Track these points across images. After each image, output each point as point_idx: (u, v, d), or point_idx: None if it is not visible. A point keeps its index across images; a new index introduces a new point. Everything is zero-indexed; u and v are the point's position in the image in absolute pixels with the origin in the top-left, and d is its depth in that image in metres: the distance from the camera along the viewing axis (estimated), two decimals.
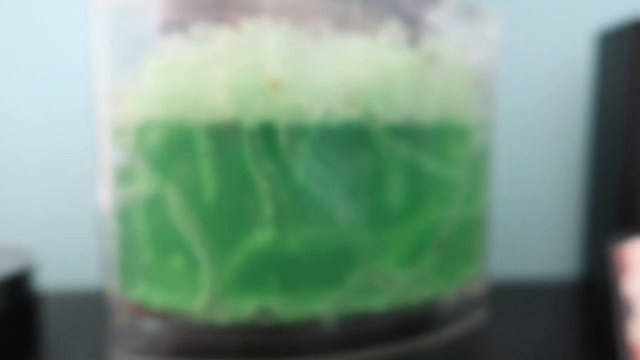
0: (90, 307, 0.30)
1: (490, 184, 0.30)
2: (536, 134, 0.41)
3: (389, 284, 0.25)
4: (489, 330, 0.29)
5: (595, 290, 0.36)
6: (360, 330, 0.27)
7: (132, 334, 0.25)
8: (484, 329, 0.29)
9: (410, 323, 0.29)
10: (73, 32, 0.38)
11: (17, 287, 0.25)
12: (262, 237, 0.23)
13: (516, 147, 0.41)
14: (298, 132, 0.23)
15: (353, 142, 0.24)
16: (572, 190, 0.42)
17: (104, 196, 0.24)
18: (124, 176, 0.24)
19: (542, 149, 0.41)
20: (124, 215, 0.24)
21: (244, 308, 0.24)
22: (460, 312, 0.30)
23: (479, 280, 0.30)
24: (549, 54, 0.40)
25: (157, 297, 0.24)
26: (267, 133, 0.23)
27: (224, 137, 0.23)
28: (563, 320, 0.31)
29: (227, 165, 0.23)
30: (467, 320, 0.29)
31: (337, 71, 0.23)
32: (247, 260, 0.24)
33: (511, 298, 0.35)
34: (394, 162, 0.25)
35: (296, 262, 0.24)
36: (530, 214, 0.42)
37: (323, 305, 0.24)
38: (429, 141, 0.26)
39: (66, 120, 0.38)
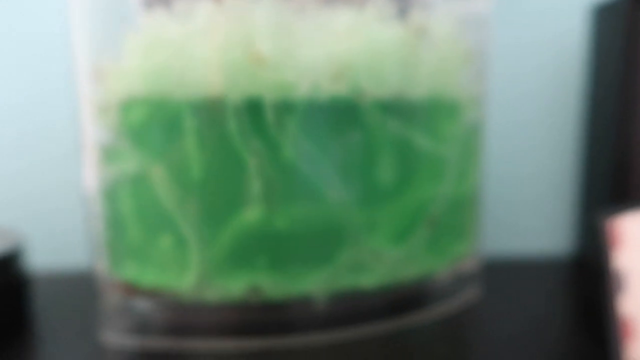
0: (79, 287, 0.30)
1: (482, 161, 0.30)
2: (529, 110, 0.41)
3: (379, 262, 0.25)
4: (481, 306, 0.29)
5: (588, 266, 0.36)
6: (352, 308, 0.27)
7: (122, 313, 0.25)
8: (476, 305, 0.29)
9: (402, 300, 0.29)
10: (53, 8, 0.37)
11: (6, 268, 0.25)
12: (250, 215, 0.23)
13: (509, 123, 0.41)
14: (285, 108, 0.22)
15: (341, 118, 0.24)
16: (565, 166, 0.41)
17: (89, 175, 0.24)
18: (108, 155, 0.23)
19: (535, 125, 0.41)
20: (110, 195, 0.24)
21: (234, 286, 0.23)
22: (452, 289, 0.30)
23: (471, 257, 0.30)
24: (543, 28, 0.40)
25: (146, 276, 0.24)
26: (253, 109, 0.22)
27: (210, 113, 0.22)
28: (556, 296, 0.31)
29: (213, 143, 0.23)
30: (460, 297, 0.29)
31: (323, 46, 0.22)
32: (236, 238, 0.23)
33: (504, 274, 0.35)
34: (383, 139, 0.25)
35: (285, 240, 0.24)
36: (522, 191, 0.41)
37: (313, 283, 0.24)
38: (420, 117, 0.26)
39: (48, 97, 0.38)
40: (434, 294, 0.30)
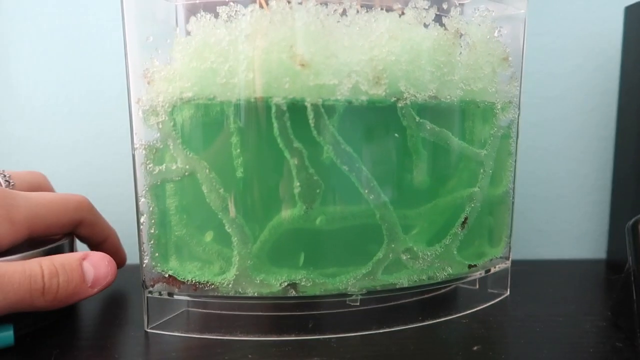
0: (127, 279, 0.31)
1: (516, 163, 0.30)
2: (563, 111, 0.40)
3: (414, 261, 0.26)
4: (512, 306, 0.29)
5: (622, 270, 0.36)
6: (385, 305, 0.28)
7: (165, 306, 0.26)
8: (507, 305, 0.29)
9: (436, 299, 0.29)
10: (106, 15, 0.39)
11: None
12: (290, 213, 0.24)
13: (543, 125, 0.40)
14: (325, 109, 0.23)
15: (380, 120, 0.24)
16: (599, 168, 0.41)
17: (139, 173, 0.25)
18: (156, 154, 0.24)
19: (569, 126, 0.41)
20: (157, 192, 0.25)
21: (273, 282, 0.24)
22: (483, 289, 0.30)
23: (503, 258, 0.30)
24: (578, 29, 0.40)
25: (189, 271, 0.25)
26: (295, 111, 0.23)
27: (253, 115, 0.23)
28: (586, 297, 0.31)
29: (256, 143, 0.24)
30: (491, 298, 0.30)
31: (363, 50, 0.23)
32: (275, 235, 0.24)
33: (535, 276, 0.35)
34: (420, 140, 0.25)
35: (323, 238, 0.24)
36: (558, 194, 0.41)
37: (349, 281, 0.25)
38: (455, 119, 0.26)
39: (101, 101, 0.39)
40: (466, 293, 0.30)
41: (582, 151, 0.41)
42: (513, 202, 0.31)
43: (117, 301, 0.30)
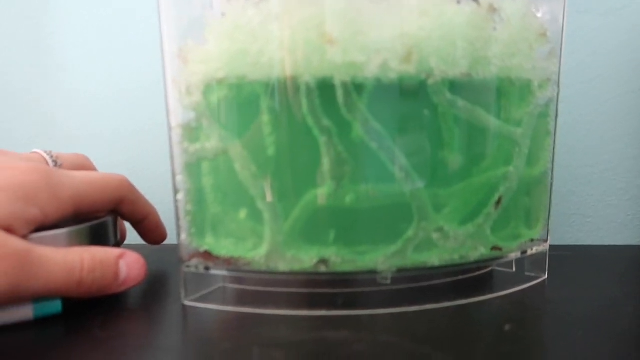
0: (163, 256, 0.33)
1: (554, 144, 0.29)
2: (605, 94, 0.39)
3: (446, 240, 0.25)
4: (549, 289, 0.28)
5: None
6: (417, 285, 0.27)
7: (201, 281, 0.27)
8: (544, 288, 0.28)
9: (469, 280, 0.29)
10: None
11: (103, 234, 0.28)
12: (320, 191, 0.24)
13: (583, 105, 0.39)
14: (355, 87, 0.23)
15: (410, 97, 0.24)
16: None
17: (175, 153, 0.26)
18: (191, 133, 0.25)
19: (610, 110, 0.39)
20: (193, 170, 0.26)
21: (304, 258, 0.25)
22: (520, 272, 0.30)
23: (540, 242, 0.29)
24: (622, 6, 0.38)
25: (224, 246, 0.26)
26: (325, 89, 0.23)
27: (284, 93, 0.24)
28: (626, 282, 0.30)
29: (286, 121, 0.24)
30: (527, 280, 0.29)
31: (393, 26, 0.23)
32: (306, 213, 0.25)
33: (578, 262, 0.34)
34: (452, 118, 0.25)
35: (353, 216, 0.25)
36: (602, 177, 0.40)
37: (380, 259, 0.25)
38: (490, 97, 0.26)
39: (142, 87, 0.41)
40: (500, 275, 0.29)
41: (628, 133, 0.39)
42: (552, 183, 0.30)
43: (158, 277, 0.32)
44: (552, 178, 0.30)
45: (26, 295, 0.23)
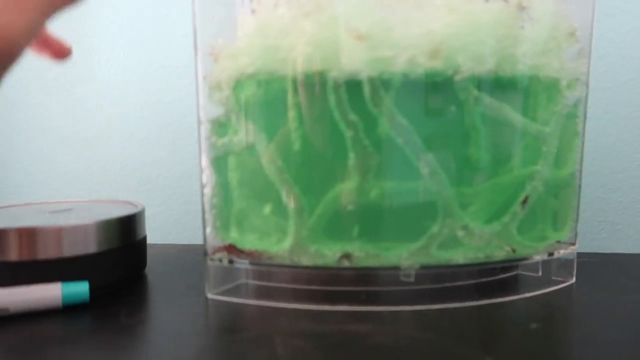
0: (189, 253, 0.33)
1: (583, 145, 0.29)
2: (635, 98, 0.38)
3: (471, 238, 0.25)
4: (577, 292, 0.28)
5: None
6: (442, 285, 0.27)
7: (225, 273, 0.27)
8: (571, 291, 0.28)
9: (495, 280, 0.28)
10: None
11: (130, 227, 0.29)
12: (345, 186, 0.24)
13: (613, 110, 0.38)
14: (382, 83, 0.23)
15: (437, 94, 0.24)
16: None
17: (203, 147, 0.26)
18: (219, 128, 0.26)
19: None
20: (220, 165, 0.26)
21: (327, 253, 0.25)
22: (547, 274, 0.29)
23: (567, 244, 0.29)
24: None
25: (248, 241, 0.26)
26: (352, 84, 0.23)
27: (311, 89, 0.24)
28: None
29: (313, 117, 0.24)
30: (554, 282, 0.28)
31: (421, 23, 0.23)
32: (331, 207, 0.25)
33: (606, 268, 0.33)
34: (479, 116, 0.25)
35: (378, 211, 0.25)
36: (632, 185, 0.39)
37: (403, 255, 0.25)
38: (517, 95, 0.26)
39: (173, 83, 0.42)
40: (527, 276, 0.29)
41: None
42: (580, 186, 0.29)
43: (184, 272, 0.32)
44: (580, 180, 0.29)
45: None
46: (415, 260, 0.25)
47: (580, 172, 0.29)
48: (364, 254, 0.25)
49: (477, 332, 0.22)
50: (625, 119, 0.38)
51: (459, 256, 0.25)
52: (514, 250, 0.26)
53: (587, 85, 0.28)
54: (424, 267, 0.25)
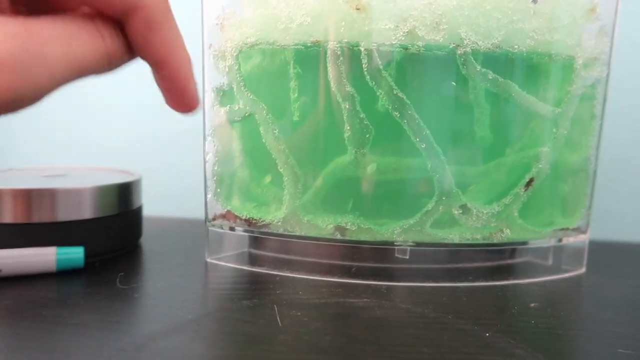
0: (188, 224, 0.34)
1: (601, 130, 0.27)
2: None
3: (467, 218, 0.25)
4: (584, 278, 0.26)
5: None
6: (444, 267, 0.27)
7: (225, 243, 0.28)
8: (578, 277, 0.27)
9: (500, 267, 0.28)
10: None
11: (126, 195, 0.29)
12: (341, 159, 0.24)
13: (637, 99, 0.36)
14: (380, 55, 0.23)
15: (437, 68, 0.24)
16: None
17: (207, 116, 0.27)
18: (223, 97, 0.26)
19: None
20: (223, 133, 0.27)
21: (320, 225, 0.25)
22: (554, 260, 0.28)
23: (577, 231, 0.28)
24: None
25: (246, 209, 0.27)
26: (350, 56, 0.23)
27: (310, 59, 0.24)
28: None
29: (311, 87, 0.24)
30: (563, 270, 0.27)
31: None
32: (325, 180, 0.25)
33: (615, 256, 0.31)
34: (483, 93, 0.24)
35: (373, 186, 0.25)
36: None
37: (396, 230, 0.24)
38: (526, 72, 0.25)
39: None
40: (536, 264, 0.28)
41: None
42: (595, 172, 0.28)
43: (181, 241, 0.32)
44: (595, 166, 0.28)
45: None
46: (408, 236, 0.25)
47: (597, 157, 0.28)
48: (357, 227, 0.24)
49: (474, 309, 0.22)
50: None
51: (454, 235, 0.25)
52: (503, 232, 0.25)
53: (608, 66, 0.27)
54: (418, 245, 0.25)
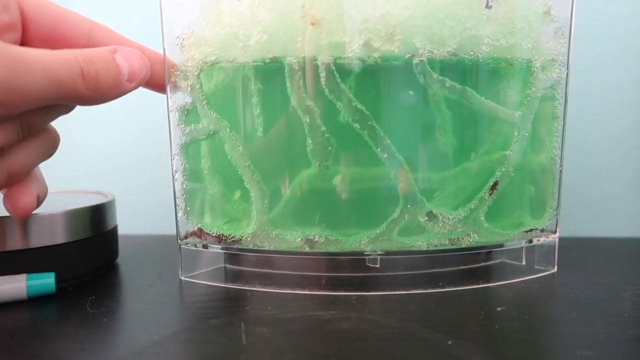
0: (163, 242, 0.34)
1: (564, 130, 0.28)
2: (616, 82, 0.36)
3: (433, 225, 0.25)
4: (555, 278, 0.27)
5: None
6: (416, 273, 0.27)
7: (198, 261, 0.28)
8: (550, 277, 0.27)
9: (471, 270, 0.28)
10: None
11: (100, 217, 0.29)
12: (306, 172, 0.25)
13: (595, 89, 0.36)
14: (338, 68, 0.23)
15: (395, 78, 0.24)
16: None
17: (174, 135, 0.27)
18: (187, 116, 0.26)
19: (622, 97, 0.36)
20: (190, 152, 0.27)
21: (289, 238, 0.25)
22: (530, 262, 0.28)
23: (546, 231, 0.28)
24: None
25: (217, 225, 0.27)
26: (308, 70, 0.23)
27: (269, 75, 0.24)
28: (631, 271, 0.28)
29: (272, 103, 0.25)
30: (536, 271, 0.28)
31: (376, 6, 0.23)
32: (291, 193, 0.25)
33: (581, 253, 0.32)
34: (443, 100, 0.24)
35: (338, 197, 0.25)
36: (606, 168, 0.37)
37: (364, 240, 0.25)
38: (483, 78, 0.25)
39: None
40: (510, 265, 0.28)
41: (634, 122, 0.36)
42: (561, 171, 0.28)
43: (156, 260, 0.32)
44: (561, 166, 0.28)
45: (27, 92, 0.20)
46: (377, 246, 0.25)
47: (562, 157, 0.28)
48: (325, 239, 0.25)
49: (442, 316, 0.22)
50: (600, 101, 0.36)
51: (422, 242, 0.25)
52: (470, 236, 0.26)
53: (567, 67, 0.27)
54: (388, 253, 0.25)
